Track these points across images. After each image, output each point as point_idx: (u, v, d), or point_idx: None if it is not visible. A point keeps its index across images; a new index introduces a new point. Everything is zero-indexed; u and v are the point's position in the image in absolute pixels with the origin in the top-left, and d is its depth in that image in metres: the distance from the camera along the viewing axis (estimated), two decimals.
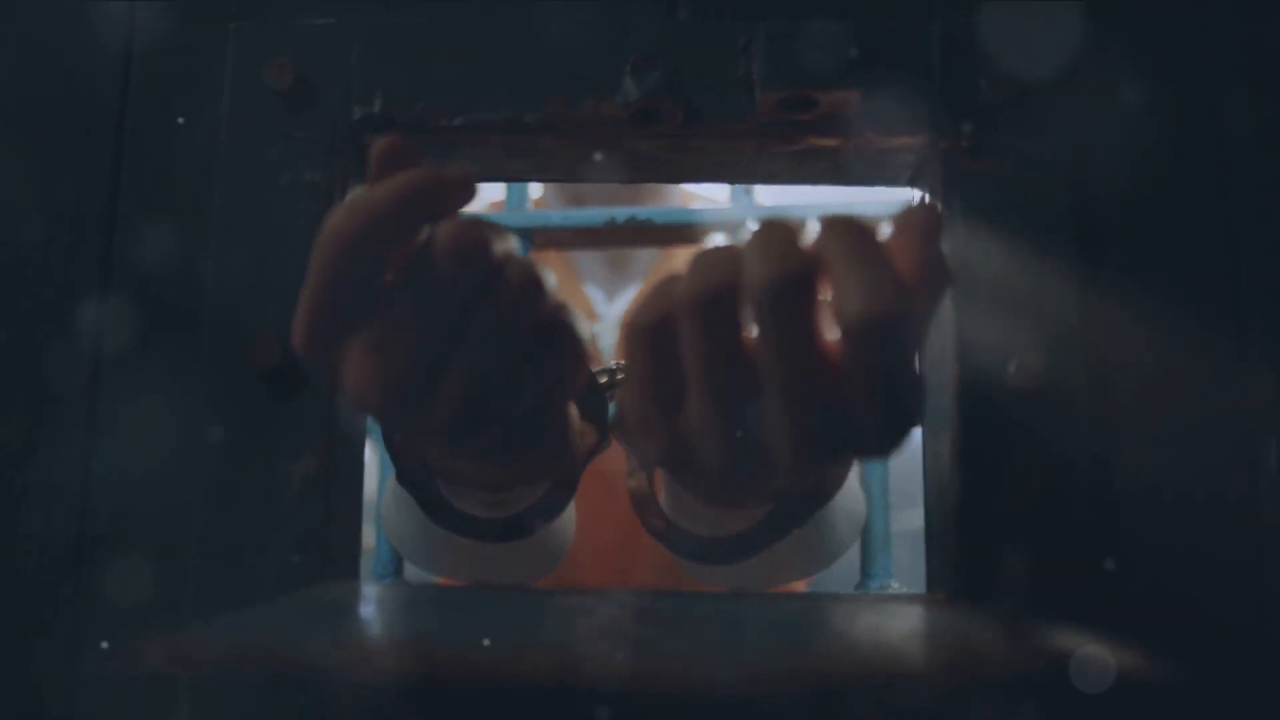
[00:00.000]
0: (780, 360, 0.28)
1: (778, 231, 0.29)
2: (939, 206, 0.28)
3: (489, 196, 0.94)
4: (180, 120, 0.43)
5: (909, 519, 0.70)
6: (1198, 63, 0.43)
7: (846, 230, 0.28)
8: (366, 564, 0.42)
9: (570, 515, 0.58)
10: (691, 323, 0.29)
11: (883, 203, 0.71)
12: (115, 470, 0.41)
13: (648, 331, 0.30)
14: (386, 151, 0.32)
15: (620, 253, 0.92)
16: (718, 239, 0.74)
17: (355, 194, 0.30)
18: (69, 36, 0.44)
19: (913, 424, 0.28)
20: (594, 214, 0.73)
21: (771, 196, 0.73)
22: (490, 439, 0.34)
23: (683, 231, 0.75)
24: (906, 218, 0.29)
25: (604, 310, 0.90)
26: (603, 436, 0.44)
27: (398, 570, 0.71)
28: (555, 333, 0.34)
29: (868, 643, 0.27)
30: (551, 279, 0.34)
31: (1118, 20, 0.44)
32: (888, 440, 0.28)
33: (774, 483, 0.36)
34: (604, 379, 0.47)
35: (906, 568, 0.67)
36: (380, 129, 0.42)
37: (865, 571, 0.66)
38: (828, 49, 0.41)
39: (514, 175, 0.47)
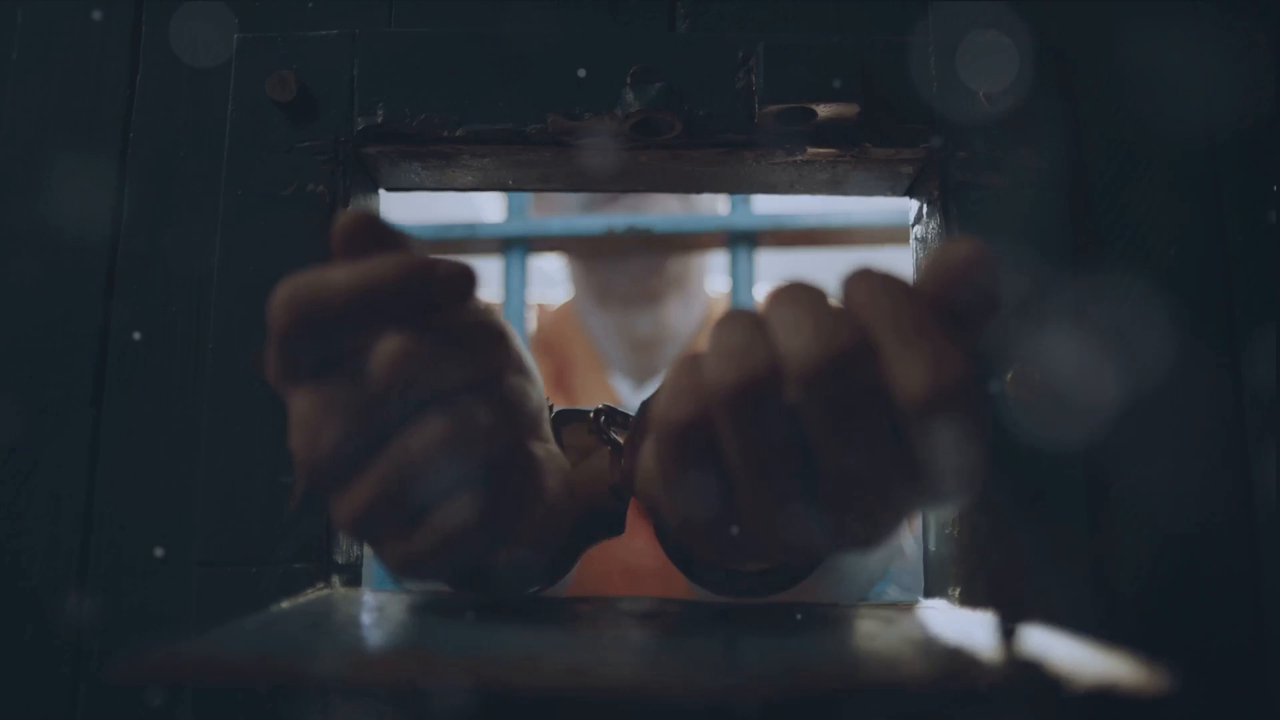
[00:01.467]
0: (840, 442, 0.25)
1: (808, 300, 0.26)
2: (978, 242, 0.26)
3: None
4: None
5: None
6: (1189, 72, 0.44)
7: (886, 293, 0.25)
8: (367, 571, 0.43)
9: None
10: (732, 417, 0.26)
11: (879, 211, 0.72)
12: (119, 479, 0.41)
13: (681, 432, 0.27)
14: (350, 229, 0.28)
15: (648, 344, 0.90)
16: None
17: (312, 272, 0.28)
18: (76, 48, 0.45)
19: (980, 477, 0.26)
20: (592, 222, 0.73)
21: (770, 205, 0.74)
22: (414, 545, 0.30)
23: (682, 239, 0.76)
24: (948, 256, 0.26)
25: (631, 401, 0.90)
26: (616, 528, 0.42)
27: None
28: (510, 471, 0.30)
29: (866, 650, 0.28)
30: (537, 395, 0.30)
31: (1110, 32, 0.44)
32: (956, 498, 0.26)
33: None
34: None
35: (906, 575, 0.67)
36: (382, 140, 0.42)
37: None
38: (826, 62, 0.41)
39: (514, 186, 0.47)
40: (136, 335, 0.42)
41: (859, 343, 0.25)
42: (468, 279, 0.28)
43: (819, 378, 0.25)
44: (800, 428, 0.26)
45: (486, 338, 0.29)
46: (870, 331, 0.25)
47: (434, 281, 0.27)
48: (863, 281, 0.26)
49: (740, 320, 0.27)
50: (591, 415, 0.42)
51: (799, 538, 0.28)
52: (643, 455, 0.32)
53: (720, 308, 0.93)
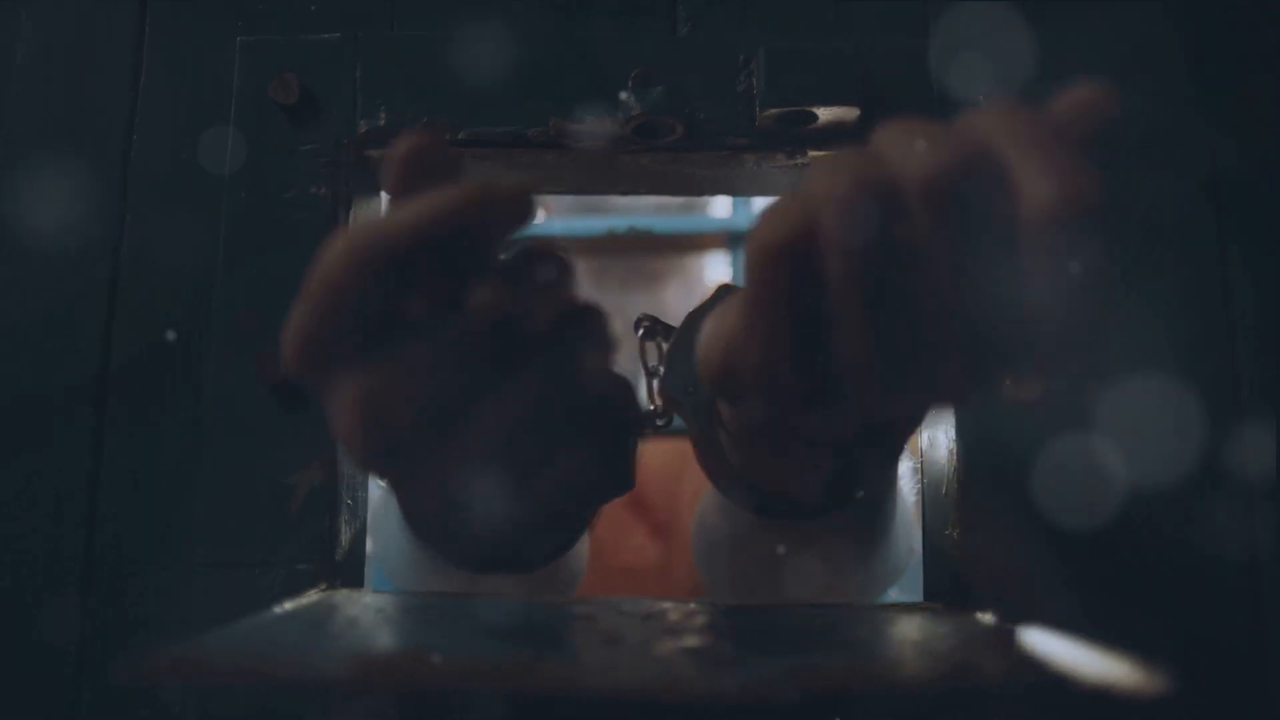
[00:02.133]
0: (957, 261, 0.23)
1: (923, 125, 0.24)
2: (1107, 84, 0.25)
3: None
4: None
5: None
6: (1190, 73, 0.44)
7: (1010, 114, 0.24)
8: (369, 572, 0.43)
9: (580, 548, 0.52)
10: (842, 230, 0.23)
11: None
12: (122, 480, 0.41)
13: (782, 249, 0.24)
14: (413, 154, 0.25)
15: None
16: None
17: (375, 214, 0.26)
18: (79, 51, 0.45)
19: (1093, 328, 0.23)
20: (594, 223, 0.74)
21: None
22: (488, 526, 0.27)
23: (684, 240, 0.76)
24: (1078, 90, 0.25)
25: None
26: (625, 484, 0.40)
27: None
28: (604, 418, 0.27)
29: (866, 651, 0.28)
30: (612, 340, 0.27)
31: (1111, 35, 0.44)
32: (1065, 348, 0.24)
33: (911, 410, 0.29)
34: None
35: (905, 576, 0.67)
36: (385, 143, 0.42)
37: None
38: (826, 65, 0.42)
39: None
40: (139, 337, 0.43)
41: (982, 153, 0.23)
42: (529, 200, 0.25)
43: (940, 185, 0.23)
44: (911, 255, 0.24)
45: (556, 260, 0.26)
46: (993, 148, 0.23)
47: (499, 210, 0.24)
48: (981, 111, 0.24)
49: (848, 153, 0.25)
50: (635, 324, 0.40)
51: (897, 383, 0.25)
52: (710, 332, 0.29)
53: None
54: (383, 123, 0.42)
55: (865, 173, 0.24)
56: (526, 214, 0.25)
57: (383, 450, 0.25)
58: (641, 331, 0.40)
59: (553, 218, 0.89)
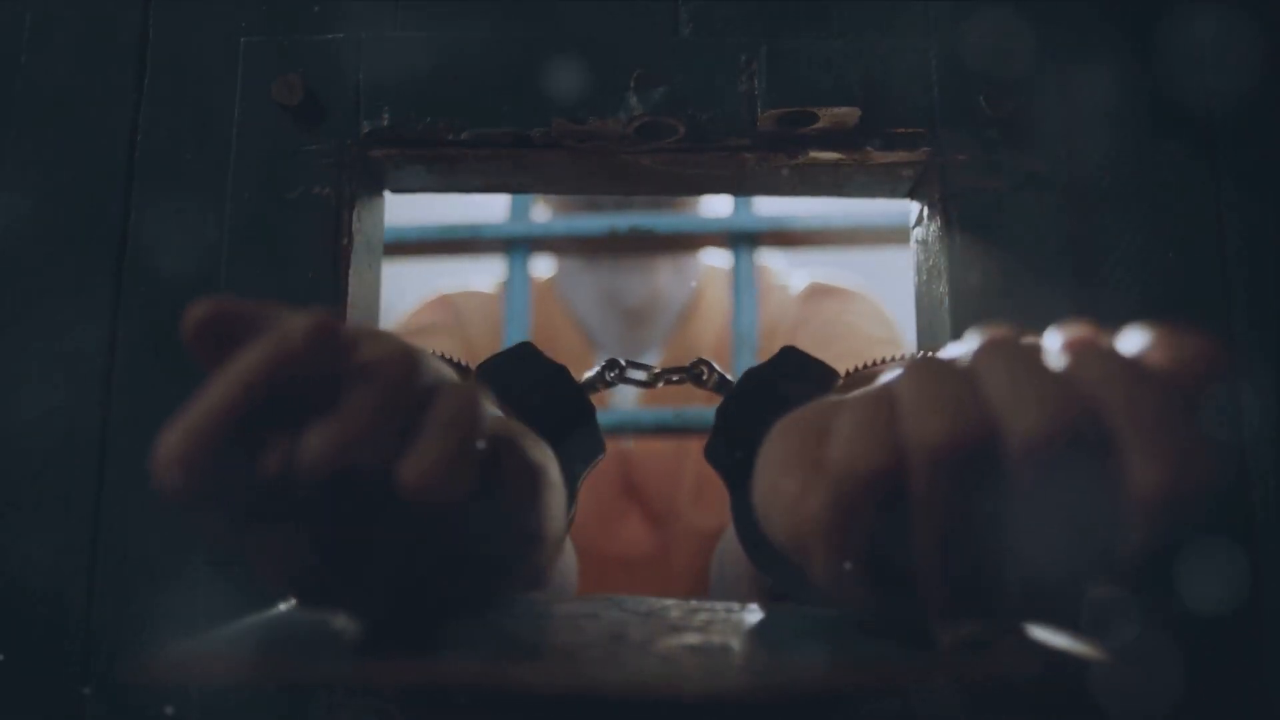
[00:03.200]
0: (1049, 520, 0.23)
1: (1029, 360, 0.24)
2: (1217, 340, 0.24)
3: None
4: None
5: None
6: (1189, 75, 0.44)
7: (1124, 373, 0.23)
8: None
9: (568, 562, 0.53)
10: (934, 474, 0.23)
11: (880, 213, 0.72)
12: (127, 480, 0.42)
13: (870, 479, 0.24)
14: (205, 323, 0.25)
15: (639, 313, 0.89)
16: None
17: (192, 405, 0.24)
18: (83, 51, 0.45)
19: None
20: (596, 223, 0.74)
21: (772, 207, 0.74)
22: (418, 616, 0.29)
23: (685, 240, 0.76)
24: (1190, 348, 0.24)
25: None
26: (597, 449, 0.40)
27: None
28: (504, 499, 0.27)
29: (868, 649, 0.28)
30: (481, 402, 0.26)
31: (1110, 36, 0.44)
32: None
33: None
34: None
35: None
36: (388, 143, 0.43)
37: None
38: (828, 66, 0.42)
39: (519, 188, 0.47)
40: (143, 336, 0.43)
41: (1089, 418, 0.22)
42: (330, 326, 0.24)
43: (1045, 450, 0.22)
44: (1000, 492, 0.23)
45: (393, 361, 0.25)
46: (1102, 409, 0.23)
47: (306, 354, 0.24)
48: (1092, 354, 0.24)
49: (947, 369, 0.24)
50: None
51: (963, 598, 0.25)
52: (779, 492, 0.29)
53: (715, 279, 0.92)
54: (385, 123, 0.42)
55: (965, 418, 0.23)
56: (325, 338, 0.24)
57: (302, 588, 0.26)
58: (703, 375, 0.43)
59: (554, 216, 0.89)
